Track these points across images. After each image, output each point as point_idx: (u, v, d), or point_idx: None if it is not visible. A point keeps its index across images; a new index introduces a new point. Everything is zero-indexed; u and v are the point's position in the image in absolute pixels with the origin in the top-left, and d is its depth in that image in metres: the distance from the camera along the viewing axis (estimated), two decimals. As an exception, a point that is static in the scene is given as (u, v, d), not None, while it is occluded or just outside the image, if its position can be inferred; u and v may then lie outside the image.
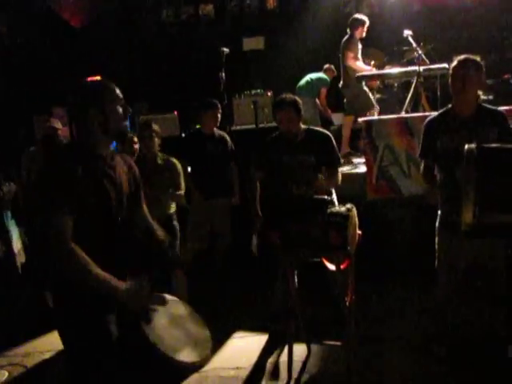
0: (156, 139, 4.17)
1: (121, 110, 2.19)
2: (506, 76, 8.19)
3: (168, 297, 2.40)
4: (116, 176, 2.21)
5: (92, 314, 2.10)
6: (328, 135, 3.94)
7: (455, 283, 3.33)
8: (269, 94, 7.20)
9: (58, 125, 5.05)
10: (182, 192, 4.26)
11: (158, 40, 8.78)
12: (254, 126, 6.55)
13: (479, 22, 8.94)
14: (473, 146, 2.59)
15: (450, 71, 3.20)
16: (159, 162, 4.20)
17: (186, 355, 2.14)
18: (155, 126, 4.25)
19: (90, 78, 8.40)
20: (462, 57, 3.20)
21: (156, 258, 2.42)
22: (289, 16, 8.89)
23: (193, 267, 4.54)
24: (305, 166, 3.79)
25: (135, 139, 4.31)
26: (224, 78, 6.35)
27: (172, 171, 4.20)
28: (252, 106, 6.59)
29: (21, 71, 7.92)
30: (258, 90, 7.32)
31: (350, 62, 6.48)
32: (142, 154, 4.27)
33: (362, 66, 6.62)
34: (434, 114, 3.51)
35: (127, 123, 2.26)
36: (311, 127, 4.06)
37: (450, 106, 3.34)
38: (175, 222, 4.34)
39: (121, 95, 2.22)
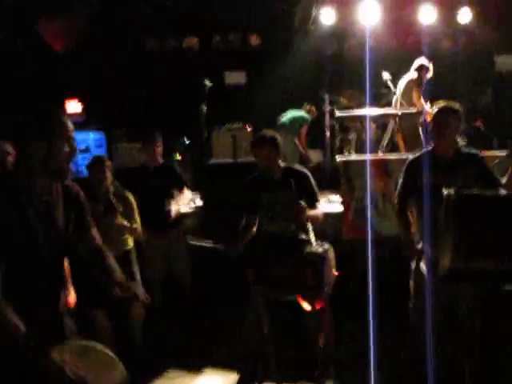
0: (108, 174, 4.12)
1: (67, 149, 2.06)
2: (477, 123, 8.47)
3: (82, 345, 2.15)
4: (48, 211, 2.09)
5: None
6: (306, 173, 3.92)
7: (428, 327, 3.31)
8: (248, 128, 7.25)
9: (10, 149, 4.70)
10: (138, 226, 4.19)
11: (141, 70, 8.80)
12: (232, 160, 6.56)
13: (453, 70, 9.28)
14: (451, 191, 2.63)
15: (432, 117, 3.30)
16: (111, 196, 4.12)
17: None
18: (107, 161, 4.22)
19: (67, 100, 8.39)
20: (443, 104, 3.31)
21: (104, 281, 2.32)
22: (271, 54, 9.04)
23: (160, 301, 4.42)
24: (283, 202, 3.77)
25: (108, 163, 4.24)
26: (205, 110, 6.39)
27: (125, 205, 4.14)
28: (231, 140, 6.62)
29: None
30: (238, 124, 7.36)
31: (417, 101, 6.63)
32: (93, 189, 4.12)
33: (424, 106, 6.72)
34: (415, 154, 3.58)
35: (71, 165, 2.12)
36: (290, 165, 4.03)
37: (430, 148, 3.42)
38: (132, 258, 4.22)
39: (73, 133, 2.09)
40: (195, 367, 4.03)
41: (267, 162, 3.76)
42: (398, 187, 3.51)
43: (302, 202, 3.57)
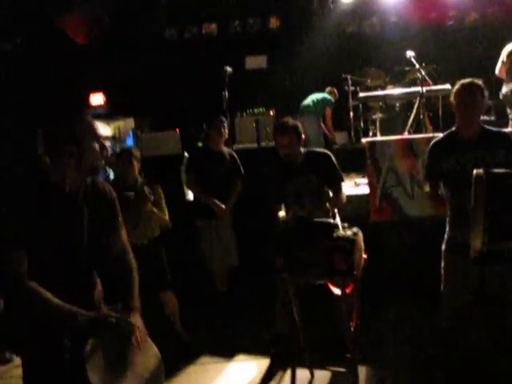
0: (135, 163, 4.17)
1: (97, 146, 2.15)
2: (506, 97, 8.20)
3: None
4: (77, 212, 2.16)
5: (49, 339, 2.08)
6: (327, 153, 3.95)
7: (461, 309, 3.27)
8: (271, 112, 7.19)
9: None
10: (166, 215, 4.25)
11: (161, 58, 8.80)
12: (255, 145, 6.53)
13: (479, 43, 9.02)
14: (481, 171, 2.57)
15: (455, 95, 3.19)
16: (139, 186, 4.17)
17: None
18: (135, 151, 4.26)
19: (92, 93, 8.46)
20: (467, 81, 3.19)
21: (122, 285, 2.31)
22: (291, 36, 8.94)
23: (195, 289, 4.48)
24: (308, 187, 3.77)
25: (135, 153, 4.31)
26: (227, 96, 6.36)
27: (154, 195, 4.19)
28: (254, 125, 6.58)
29: (21, 83, 7.90)
30: (261, 109, 7.31)
31: None
32: (122, 180, 4.22)
33: None
34: (439, 135, 3.50)
35: (102, 161, 2.22)
36: (310, 149, 4.07)
37: (453, 128, 3.33)
38: (160, 246, 4.28)
39: (99, 132, 2.19)
40: (228, 354, 4.08)
41: (289, 149, 3.76)
42: (425, 171, 3.43)
43: (326, 190, 3.57)
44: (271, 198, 3.98)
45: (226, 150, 4.97)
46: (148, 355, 2.27)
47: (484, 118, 6.87)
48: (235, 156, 4.97)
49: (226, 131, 4.92)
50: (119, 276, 2.32)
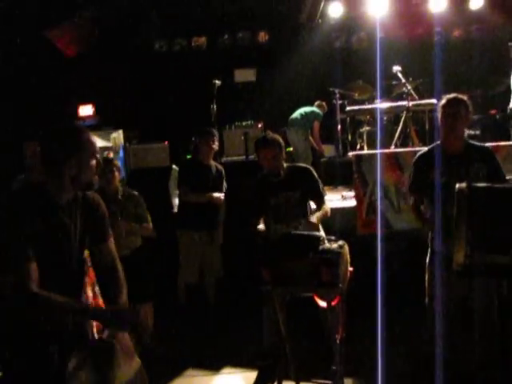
0: (117, 174, 4.18)
1: (94, 162, 2.20)
2: (492, 112, 8.35)
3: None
4: (71, 223, 2.20)
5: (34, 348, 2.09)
6: (307, 168, 4.00)
7: (445, 320, 3.30)
8: (259, 125, 7.25)
9: None
10: (150, 224, 4.24)
11: (151, 70, 8.84)
12: (243, 157, 6.58)
13: (465, 58, 9.18)
14: (464, 185, 2.61)
15: (440, 109, 3.25)
16: (121, 196, 4.18)
17: None
18: (116, 161, 4.28)
19: (81, 106, 8.46)
20: (451, 96, 3.26)
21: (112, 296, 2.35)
22: (280, 50, 9.04)
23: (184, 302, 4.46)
24: (292, 202, 3.80)
25: (115, 163, 4.34)
26: (215, 109, 6.40)
27: (135, 205, 4.19)
28: (242, 138, 6.63)
29: (11, 98, 7.90)
30: (249, 122, 7.37)
31: None
32: (102, 189, 4.21)
33: None
34: (424, 149, 3.56)
35: (96, 176, 2.27)
36: (291, 164, 4.11)
37: (438, 142, 3.39)
38: (142, 257, 4.28)
39: (97, 147, 2.25)
40: (215, 367, 4.06)
41: (273, 162, 3.79)
42: (409, 183, 3.48)
43: (313, 219, 3.58)
44: (252, 212, 3.98)
45: (213, 163, 4.98)
46: (131, 367, 2.26)
47: (469, 132, 7.02)
48: (223, 173, 4.97)
49: (216, 144, 4.93)
50: (108, 282, 2.35)
